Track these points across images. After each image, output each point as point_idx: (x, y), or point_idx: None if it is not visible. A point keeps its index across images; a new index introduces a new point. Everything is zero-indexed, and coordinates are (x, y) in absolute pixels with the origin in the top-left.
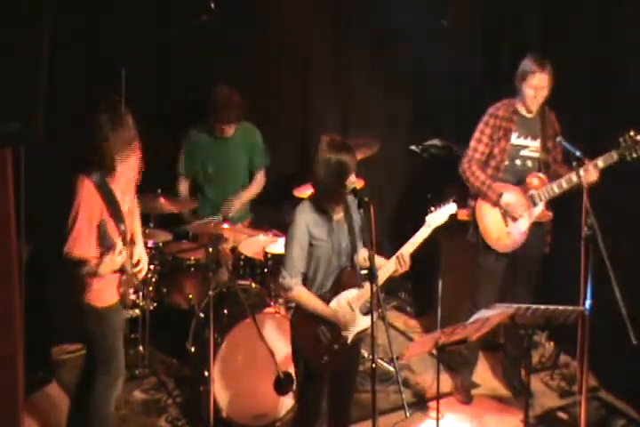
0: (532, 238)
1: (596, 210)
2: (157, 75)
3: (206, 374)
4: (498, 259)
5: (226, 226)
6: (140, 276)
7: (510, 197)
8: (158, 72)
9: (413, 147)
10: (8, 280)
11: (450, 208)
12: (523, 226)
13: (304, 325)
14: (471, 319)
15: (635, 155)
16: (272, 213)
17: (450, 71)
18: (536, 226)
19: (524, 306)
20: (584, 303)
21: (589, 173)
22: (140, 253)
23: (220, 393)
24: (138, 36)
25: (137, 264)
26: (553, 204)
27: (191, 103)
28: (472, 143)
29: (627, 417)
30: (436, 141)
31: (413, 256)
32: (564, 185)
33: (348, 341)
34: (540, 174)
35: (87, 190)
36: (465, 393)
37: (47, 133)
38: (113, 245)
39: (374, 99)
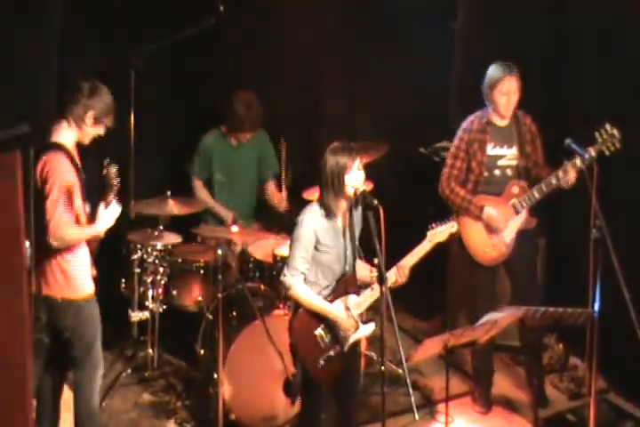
0: (522, 246)
1: (605, 211)
2: (165, 76)
3: (215, 376)
4: (488, 271)
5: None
6: None
7: (492, 209)
8: (166, 74)
9: (422, 149)
10: (18, 281)
11: (450, 226)
12: (508, 237)
13: (302, 327)
14: (480, 321)
15: (612, 148)
16: (281, 215)
17: (459, 73)
18: (523, 233)
19: (532, 308)
20: (593, 305)
21: (568, 174)
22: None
23: (228, 395)
24: (147, 39)
25: None
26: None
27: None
28: (448, 161)
29: (636, 419)
30: (444, 144)
31: (417, 264)
32: (545, 189)
33: (345, 348)
34: (521, 182)
35: (64, 166)
36: (483, 404)
37: None
38: (107, 198)
39: (383, 101)
